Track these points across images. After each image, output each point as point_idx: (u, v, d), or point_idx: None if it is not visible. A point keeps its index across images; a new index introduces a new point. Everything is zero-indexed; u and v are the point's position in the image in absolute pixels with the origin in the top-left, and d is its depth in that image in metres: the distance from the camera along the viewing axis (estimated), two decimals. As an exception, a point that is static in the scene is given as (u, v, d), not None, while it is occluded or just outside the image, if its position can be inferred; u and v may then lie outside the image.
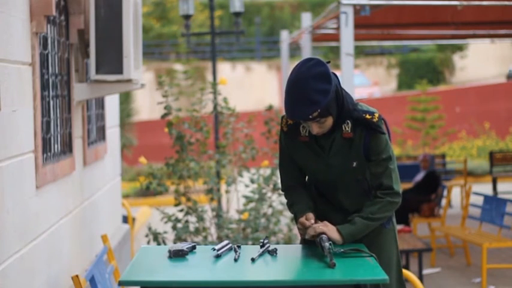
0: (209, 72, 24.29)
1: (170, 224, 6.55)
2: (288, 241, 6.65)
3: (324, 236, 3.30)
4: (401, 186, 3.51)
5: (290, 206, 3.61)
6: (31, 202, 4.12)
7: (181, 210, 6.44)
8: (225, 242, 3.44)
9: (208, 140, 6.62)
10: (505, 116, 20.39)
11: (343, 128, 3.40)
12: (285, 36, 12.18)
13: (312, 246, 3.47)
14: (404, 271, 4.18)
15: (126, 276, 3.09)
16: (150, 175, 6.45)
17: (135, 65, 5.32)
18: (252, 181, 6.54)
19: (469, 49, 26.21)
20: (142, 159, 6.58)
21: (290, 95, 3.26)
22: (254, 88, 25.90)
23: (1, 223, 3.58)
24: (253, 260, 3.26)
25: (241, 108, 16.04)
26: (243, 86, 25.44)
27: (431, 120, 17.51)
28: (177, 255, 3.34)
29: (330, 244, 3.22)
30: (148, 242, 6.31)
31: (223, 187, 7.20)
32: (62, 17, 5.08)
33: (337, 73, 4.04)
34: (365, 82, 25.04)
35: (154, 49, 26.13)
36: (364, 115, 3.38)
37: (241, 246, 3.45)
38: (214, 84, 6.76)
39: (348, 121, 3.39)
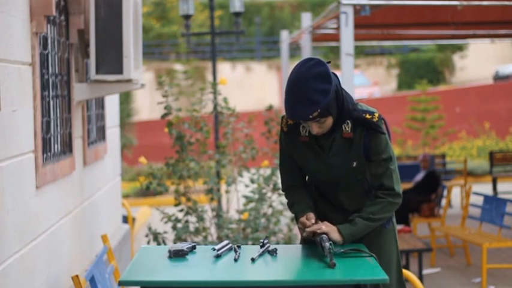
0: (209, 72, 24.30)
1: (170, 224, 6.55)
2: (288, 241, 6.65)
3: (324, 236, 3.30)
4: (401, 187, 3.51)
5: (291, 206, 3.61)
6: (31, 202, 4.12)
7: (181, 210, 6.44)
8: (225, 242, 3.43)
9: (208, 140, 6.62)
10: (505, 116, 20.40)
11: (343, 128, 3.40)
12: (285, 36, 12.18)
13: (311, 246, 3.47)
14: (404, 271, 4.18)
15: (126, 276, 3.09)
16: (150, 175, 6.45)
17: (135, 65, 5.32)
18: (252, 181, 6.54)
19: (469, 49, 26.22)
20: (142, 159, 6.58)
21: (290, 95, 3.26)
22: (254, 88, 25.90)
23: (1, 223, 3.58)
24: (253, 260, 3.26)
25: (241, 108, 16.04)
26: (243, 86, 25.44)
27: (431, 120, 17.52)
28: (177, 255, 3.34)
29: (330, 244, 3.22)
30: (148, 242, 6.30)
31: (223, 187, 7.20)
32: (62, 17, 5.08)
33: (337, 73, 4.04)
34: (365, 82, 25.04)
35: (154, 49, 26.14)
36: (364, 115, 3.38)
37: (241, 246, 3.45)
38: (214, 84, 6.76)
39: (348, 121, 3.39)
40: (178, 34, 23.17)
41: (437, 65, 26.61)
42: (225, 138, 6.77)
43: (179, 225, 6.47)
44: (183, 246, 3.37)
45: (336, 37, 10.69)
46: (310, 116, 3.25)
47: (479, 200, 8.02)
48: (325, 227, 3.39)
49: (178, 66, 25.16)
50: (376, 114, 3.40)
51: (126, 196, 13.16)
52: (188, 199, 6.45)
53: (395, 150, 16.99)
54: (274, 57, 26.49)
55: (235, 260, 3.27)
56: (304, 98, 3.22)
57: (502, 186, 12.81)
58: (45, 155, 4.52)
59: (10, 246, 3.71)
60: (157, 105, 6.95)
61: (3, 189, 3.62)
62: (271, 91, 25.63)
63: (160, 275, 3.13)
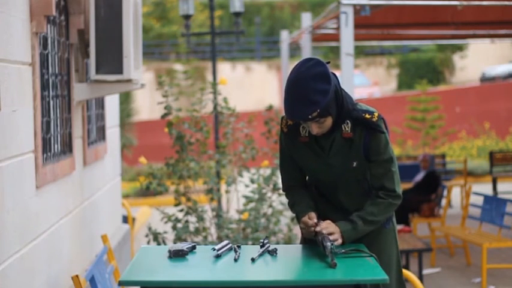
0: (209, 72, 24.30)
1: (170, 224, 6.55)
2: (288, 241, 6.65)
3: (326, 235, 3.29)
4: (401, 188, 3.52)
5: (291, 206, 3.61)
6: (31, 202, 4.12)
7: (181, 210, 6.44)
8: (225, 242, 3.44)
9: (208, 140, 6.62)
10: (505, 116, 20.40)
11: (343, 128, 3.40)
12: (285, 36, 12.18)
13: (312, 246, 3.47)
14: (404, 271, 4.18)
15: (126, 276, 3.09)
16: (150, 175, 6.45)
17: (135, 65, 5.32)
18: (252, 181, 6.54)
19: (469, 49, 26.22)
20: (142, 159, 6.58)
21: (289, 95, 3.26)
22: (254, 88, 25.90)
23: (1, 223, 3.58)
24: (253, 260, 3.26)
25: (241, 108, 16.04)
26: (243, 86, 25.44)
27: (431, 120, 17.52)
28: (177, 255, 3.34)
29: (332, 244, 3.22)
30: (148, 242, 6.31)
31: (223, 187, 7.20)
32: (62, 17, 5.08)
33: (337, 73, 4.04)
34: (365, 82, 25.04)
35: (154, 49, 26.14)
36: (363, 115, 3.39)
37: (241, 246, 3.45)
38: (214, 84, 6.76)
39: (348, 121, 3.39)
40: (178, 34, 23.17)
41: (437, 65, 26.61)
42: (225, 138, 6.77)
43: (179, 225, 6.47)
44: (183, 246, 3.37)
45: (336, 37, 10.69)
46: (310, 116, 3.25)
47: (479, 200, 8.02)
48: (331, 228, 3.37)
49: (178, 66, 25.16)
50: (376, 114, 3.40)
51: (126, 196, 13.16)
52: (188, 199, 6.45)
53: (395, 150, 16.99)
54: (274, 57, 26.50)
55: (235, 260, 3.27)
56: (303, 98, 3.22)
57: (502, 186, 12.81)
58: (45, 155, 4.52)
59: (10, 246, 3.71)
60: (157, 105, 6.95)
61: (3, 189, 3.62)
62: (271, 91, 25.63)
63: (160, 275, 3.13)
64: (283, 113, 3.43)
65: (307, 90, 3.21)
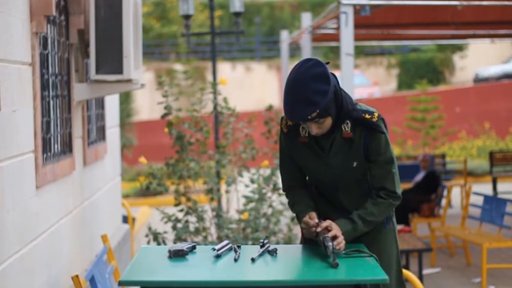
0: (209, 72, 24.29)
1: (170, 224, 6.55)
2: (288, 241, 6.65)
3: (327, 235, 3.29)
4: (401, 188, 3.53)
5: (291, 205, 3.62)
6: (31, 202, 4.12)
7: (181, 210, 6.45)
8: (225, 242, 3.44)
9: (208, 140, 6.62)
10: (505, 116, 20.39)
11: (343, 128, 3.40)
12: (285, 36, 12.18)
13: (312, 246, 3.47)
14: (404, 271, 4.18)
15: (126, 276, 3.09)
16: (150, 175, 6.45)
17: (135, 65, 5.32)
18: (252, 181, 6.54)
19: (469, 49, 26.21)
20: (142, 159, 6.58)
21: (289, 96, 3.26)
22: (254, 88, 25.89)
23: (1, 223, 3.58)
24: (253, 260, 3.26)
25: (241, 108, 16.04)
26: (243, 86, 25.43)
27: (431, 120, 17.51)
28: (177, 255, 3.34)
29: (333, 244, 3.22)
30: (148, 242, 6.31)
31: (223, 187, 7.20)
32: (62, 17, 5.08)
33: (337, 73, 4.04)
34: (365, 82, 25.03)
35: (154, 49, 26.13)
36: (363, 115, 3.39)
37: (241, 246, 3.45)
38: (214, 84, 6.76)
39: (348, 121, 3.39)
40: (178, 34, 23.17)
41: (437, 65, 26.60)
42: (225, 138, 6.77)
43: (179, 225, 6.47)
44: (183, 246, 3.37)
45: (336, 37, 10.69)
46: (309, 117, 3.25)
47: (479, 200, 8.02)
48: (335, 230, 3.36)
49: (178, 66, 25.15)
50: (376, 114, 3.40)
51: (126, 196, 13.16)
52: (188, 199, 6.45)
53: (395, 150, 16.99)
54: (274, 57, 26.49)
55: (235, 260, 3.27)
56: (302, 99, 3.22)
57: (502, 186, 12.81)
58: (45, 155, 4.52)
59: (10, 246, 3.71)
60: (157, 105, 6.95)
61: (3, 189, 3.62)
62: (271, 91, 25.63)
63: (160, 275, 3.13)
64: (283, 113, 3.43)
65: (307, 90, 3.21)
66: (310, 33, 10.08)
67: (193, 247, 3.44)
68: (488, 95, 21.12)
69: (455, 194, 12.12)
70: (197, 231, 6.36)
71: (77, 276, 3.81)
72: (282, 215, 6.74)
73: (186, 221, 6.39)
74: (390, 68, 27.29)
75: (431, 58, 26.50)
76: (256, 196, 6.53)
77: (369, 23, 9.36)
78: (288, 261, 3.32)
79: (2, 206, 3.59)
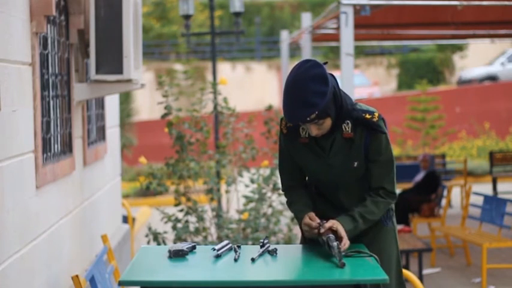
0: (209, 72, 24.29)
1: (170, 224, 6.55)
2: (288, 241, 6.65)
3: (331, 235, 3.29)
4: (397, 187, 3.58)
5: (289, 205, 3.63)
6: (31, 202, 4.12)
7: (181, 210, 6.45)
8: (225, 242, 3.44)
9: (208, 140, 6.62)
10: (505, 116, 20.39)
11: (343, 128, 3.41)
12: (285, 36, 12.18)
13: (312, 246, 3.47)
14: (404, 271, 4.18)
15: (126, 276, 3.09)
16: (150, 175, 6.45)
17: (135, 65, 5.32)
18: (252, 181, 6.54)
19: (469, 49, 26.21)
20: (142, 159, 6.58)
21: (288, 98, 3.26)
22: (254, 88, 25.89)
23: (1, 223, 3.58)
24: (253, 260, 3.26)
25: (241, 108, 16.04)
26: (243, 86, 25.43)
27: (431, 120, 17.51)
28: (177, 255, 3.34)
29: (338, 244, 3.22)
30: (148, 242, 6.31)
31: (223, 187, 7.20)
32: (62, 17, 5.08)
33: (337, 73, 4.04)
34: (365, 82, 25.02)
35: (154, 49, 26.13)
36: (363, 115, 3.39)
37: (241, 246, 3.45)
38: (214, 84, 6.76)
39: (348, 121, 3.40)
40: (178, 34, 23.16)
41: (437, 65, 26.60)
42: (225, 138, 6.77)
43: (179, 225, 6.47)
44: (183, 246, 3.37)
45: (336, 37, 10.69)
46: (308, 118, 3.25)
47: (479, 200, 8.02)
48: (340, 231, 3.36)
49: (178, 66, 25.15)
50: (376, 114, 3.40)
51: (126, 196, 13.16)
52: (188, 199, 6.45)
53: (395, 150, 16.99)
54: (274, 57, 26.49)
55: (235, 260, 3.27)
56: (301, 100, 3.22)
57: (502, 186, 12.81)
58: (45, 155, 4.52)
59: (10, 246, 3.71)
60: (157, 105, 6.96)
61: (3, 189, 3.62)
62: (271, 91, 25.63)
63: (160, 275, 3.13)
64: (282, 114, 3.43)
65: (305, 92, 3.21)
66: (310, 33, 10.08)
67: (193, 247, 3.44)
68: (488, 95, 21.12)
69: (455, 194, 12.12)
70: (197, 231, 6.37)
71: (77, 276, 3.81)
72: (282, 215, 6.75)
73: (186, 221, 6.39)
74: (390, 68, 27.29)
75: (431, 58, 26.50)
76: (256, 196, 6.54)
77: (369, 23, 9.36)
78: (288, 261, 3.32)
79: (2, 206, 3.59)
